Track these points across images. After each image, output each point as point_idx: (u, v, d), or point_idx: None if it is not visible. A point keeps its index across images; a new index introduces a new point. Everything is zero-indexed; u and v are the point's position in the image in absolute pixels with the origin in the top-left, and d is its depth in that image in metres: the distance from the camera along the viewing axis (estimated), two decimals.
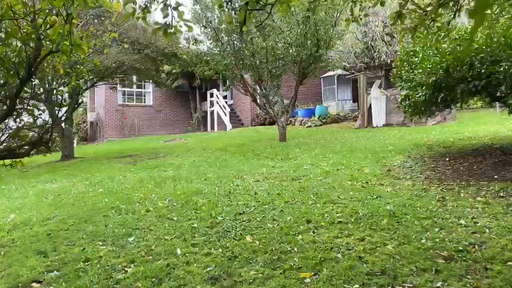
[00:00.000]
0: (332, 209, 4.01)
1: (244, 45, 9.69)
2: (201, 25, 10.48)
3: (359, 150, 8.01)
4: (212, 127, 20.68)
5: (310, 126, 14.88)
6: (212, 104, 20.85)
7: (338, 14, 9.65)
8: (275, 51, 9.61)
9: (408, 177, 5.31)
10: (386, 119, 12.88)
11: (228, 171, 6.95)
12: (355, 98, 18.30)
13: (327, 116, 15.64)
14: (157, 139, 18.03)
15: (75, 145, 21.11)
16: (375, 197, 4.35)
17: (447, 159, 6.38)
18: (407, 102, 6.24)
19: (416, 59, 6.24)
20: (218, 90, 20.90)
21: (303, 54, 9.32)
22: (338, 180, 5.39)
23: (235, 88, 11.48)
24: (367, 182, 5.09)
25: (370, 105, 12.95)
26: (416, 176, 5.34)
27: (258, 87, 10.86)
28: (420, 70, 5.62)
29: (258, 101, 10.96)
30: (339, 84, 18.02)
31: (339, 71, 16.88)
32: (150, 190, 5.88)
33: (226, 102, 20.02)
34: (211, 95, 20.87)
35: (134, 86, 21.80)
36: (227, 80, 11.57)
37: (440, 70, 5.08)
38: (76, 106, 11.15)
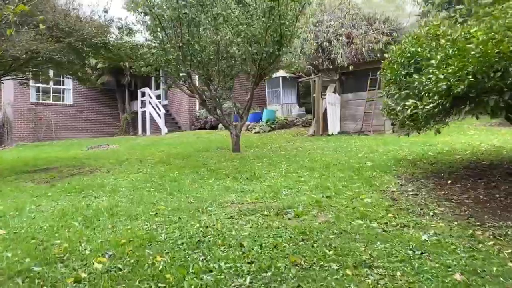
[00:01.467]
0: (377, 282, 2.67)
1: (192, 37, 8.06)
2: (139, 11, 8.66)
3: (334, 166, 6.85)
4: (144, 131, 18.56)
5: (258, 132, 13.60)
6: (143, 104, 18.73)
7: (299, 8, 8.44)
8: (231, 47, 8.13)
9: (429, 213, 4.17)
10: (341, 126, 12.01)
11: (183, 198, 5.35)
12: (301, 102, 17.41)
13: (275, 121, 14.48)
14: (79, 144, 15.55)
15: None
16: (419, 252, 3.11)
17: (449, 181, 5.42)
18: (406, 113, 5.15)
19: (418, 61, 5.19)
20: (151, 89, 18.81)
21: (264, 52, 7.95)
22: (342, 217, 4.10)
23: (179, 88, 9.76)
24: (386, 223, 3.85)
25: (325, 110, 12.01)
26: (438, 211, 4.22)
27: (207, 88, 9.28)
28: (431, 76, 4.54)
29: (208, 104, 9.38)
30: (284, 87, 17.00)
31: (282, 73, 15.84)
32: (78, 234, 4.11)
33: (159, 103, 18.02)
34: (143, 95, 18.76)
35: (51, 82, 18.90)
36: (168, 79, 9.79)
37: (469, 77, 4.02)
38: None
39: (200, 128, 16.30)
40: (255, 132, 13.66)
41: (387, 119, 11.56)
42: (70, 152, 12.84)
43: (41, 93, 19.14)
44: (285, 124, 14.38)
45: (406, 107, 5.08)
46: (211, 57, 8.57)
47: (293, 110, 16.48)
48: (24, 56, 6.94)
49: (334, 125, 11.69)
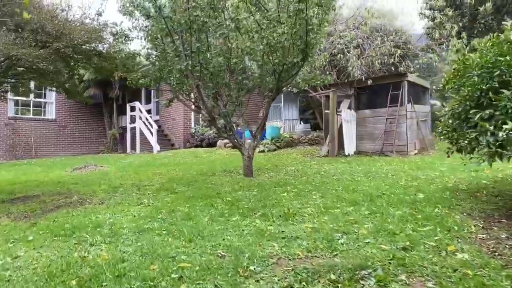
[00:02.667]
0: None
1: (202, 45, 6.89)
2: (139, 15, 7.48)
3: (379, 199, 5.71)
4: (133, 148, 17.17)
5: (263, 151, 12.42)
6: (133, 119, 17.39)
7: (324, 14, 7.39)
8: (249, 56, 6.98)
9: None
10: (357, 145, 10.94)
11: (209, 247, 4.10)
12: (301, 118, 16.35)
13: (279, 138, 13.34)
14: (62, 164, 14.06)
15: None
16: None
17: None
18: (498, 137, 4.07)
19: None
20: (141, 103, 17.50)
21: (286, 62, 6.84)
22: None
23: (183, 103, 8.56)
24: None
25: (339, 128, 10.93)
26: None
27: (215, 104, 8.09)
28: None
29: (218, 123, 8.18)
30: (285, 102, 15.94)
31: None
32: None
33: (150, 117, 16.71)
34: (132, 109, 17.44)
35: (32, 95, 17.43)
36: (170, 93, 8.56)
37: None
38: None
39: (196, 146, 15.04)
40: (260, 151, 12.47)
41: (414, 138, 10.61)
42: (53, 173, 11.39)
43: (20, 107, 17.60)
44: (290, 142, 13.26)
45: (497, 130, 4.00)
46: (222, 68, 7.41)
47: (295, 127, 15.40)
48: (1, 63, 5.62)
49: (350, 145, 10.62)
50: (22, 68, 7.71)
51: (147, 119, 16.41)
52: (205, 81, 7.46)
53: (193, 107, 8.49)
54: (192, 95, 8.58)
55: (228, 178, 8.19)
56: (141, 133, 16.58)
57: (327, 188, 6.63)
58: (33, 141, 17.21)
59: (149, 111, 17.39)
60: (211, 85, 7.50)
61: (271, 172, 8.77)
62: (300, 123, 15.22)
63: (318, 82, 7.93)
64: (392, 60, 11.71)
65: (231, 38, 6.89)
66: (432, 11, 14.53)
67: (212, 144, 14.80)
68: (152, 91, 18.19)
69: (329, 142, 10.76)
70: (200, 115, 10.07)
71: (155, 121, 16.68)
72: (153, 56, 8.00)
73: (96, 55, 8.14)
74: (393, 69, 12.15)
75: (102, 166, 12.33)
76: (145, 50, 8.26)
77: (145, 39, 7.82)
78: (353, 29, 11.22)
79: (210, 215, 5.38)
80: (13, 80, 8.71)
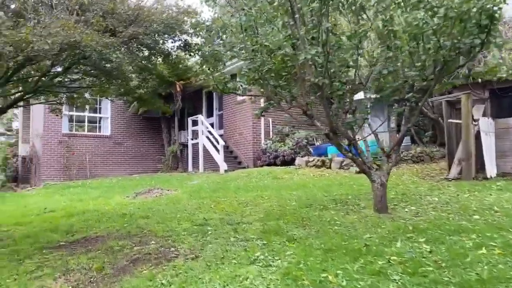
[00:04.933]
0: None
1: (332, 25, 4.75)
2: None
3: None
4: (196, 167, 15.35)
5: (360, 172, 10.04)
6: (195, 135, 15.62)
7: None
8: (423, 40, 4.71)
9: None
10: (497, 164, 8.36)
11: None
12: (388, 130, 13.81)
13: (377, 155, 10.91)
14: (120, 186, 12.38)
15: None
16: None
17: None
18: None
19: None
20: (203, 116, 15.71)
21: (463, 45, 4.56)
22: None
23: (286, 111, 6.46)
24: None
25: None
26: None
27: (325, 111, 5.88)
28: None
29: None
30: (372, 110, 13.52)
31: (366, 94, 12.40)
32: None
33: (214, 132, 14.83)
34: (194, 123, 15.68)
35: (86, 109, 16.14)
36: (272, 99, 6.41)
37: None
38: None
39: (269, 164, 12.92)
40: (357, 172, 10.12)
41: None
42: (113, 200, 9.63)
43: (74, 123, 16.34)
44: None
45: None
46: (353, 58, 5.22)
47: (388, 140, 12.92)
48: (54, 48, 3.78)
49: (491, 164, 8.08)
50: (82, 55, 5.92)
51: (211, 134, 14.55)
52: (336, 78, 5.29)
53: (297, 118, 6.34)
54: (296, 100, 6.44)
55: (353, 215, 5.92)
56: (204, 150, 14.74)
57: None
58: (88, 160, 15.82)
59: (211, 125, 15.56)
60: (337, 84, 5.32)
61: (406, 204, 6.42)
62: (391, 135, 12.74)
63: (504, 75, 5.55)
64: None
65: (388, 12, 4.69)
66: None
67: (287, 162, 12.64)
68: (214, 102, 16.39)
69: (460, 161, 8.25)
70: (288, 129, 7.90)
71: (214, 137, 14.76)
72: (249, 50, 5.96)
73: (185, 49, 6.24)
74: None
75: (168, 190, 10.46)
76: (235, 44, 6.26)
77: (241, 27, 5.81)
78: None
79: None
80: (72, 85, 6.98)
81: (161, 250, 4.96)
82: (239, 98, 14.56)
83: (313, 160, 11.39)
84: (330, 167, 10.94)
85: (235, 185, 10.31)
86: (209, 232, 5.60)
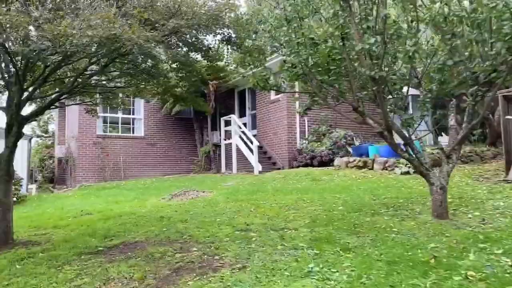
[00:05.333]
0: None
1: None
2: None
3: None
4: (229, 168, 15.07)
5: (406, 173, 9.45)
6: (228, 135, 15.36)
7: None
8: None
9: None
10: None
11: None
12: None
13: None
14: (155, 188, 12.25)
15: (34, 190, 15.06)
16: None
17: None
18: None
19: None
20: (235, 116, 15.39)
21: None
22: None
23: (334, 109, 6.02)
24: None
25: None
26: None
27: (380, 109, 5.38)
28: None
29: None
30: (413, 108, 12.86)
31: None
32: None
33: (248, 132, 14.49)
34: (227, 123, 15.41)
35: (119, 110, 16.17)
36: (318, 95, 5.96)
37: None
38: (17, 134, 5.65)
39: (306, 165, 12.45)
40: (404, 173, 9.51)
41: None
42: (149, 202, 9.44)
43: (108, 124, 16.41)
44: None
45: None
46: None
47: (429, 139, 12.22)
48: (94, 46, 3.49)
49: None
50: (119, 65, 5.70)
51: (244, 134, 14.23)
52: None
53: (348, 116, 5.88)
54: (344, 96, 5.98)
55: (410, 222, 5.41)
56: (238, 151, 14.43)
57: None
58: (122, 161, 15.82)
59: (244, 125, 15.22)
60: (393, 77, 4.83)
61: (468, 209, 5.83)
62: (441, 134, 12.04)
63: None
64: None
65: None
66: None
67: (325, 163, 12.13)
68: (247, 102, 16.06)
69: None
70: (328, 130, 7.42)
71: (248, 137, 14.38)
72: (294, 43, 5.56)
73: (207, 51, 5.91)
74: None
75: (203, 192, 10.19)
76: (279, 37, 5.87)
77: (285, 19, 5.41)
78: None
79: None
80: (109, 85, 6.80)
81: (204, 258, 4.63)
82: (273, 97, 14.17)
83: (354, 160, 10.85)
84: (372, 168, 10.38)
85: (272, 187, 9.92)
86: (253, 239, 5.23)
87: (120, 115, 16.34)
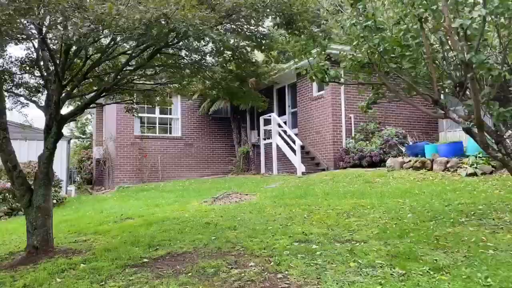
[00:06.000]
0: None
1: None
2: None
3: None
4: (269, 169, 14.43)
5: (473, 174, 8.47)
6: (267, 134, 14.72)
7: None
8: None
9: None
10: None
11: None
12: None
13: (483, 154, 9.25)
14: (195, 190, 11.78)
15: (73, 192, 14.98)
16: None
17: None
18: None
19: None
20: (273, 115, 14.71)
21: None
22: None
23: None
24: None
25: None
26: None
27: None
28: None
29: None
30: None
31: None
32: None
33: (289, 131, 13.79)
34: (266, 122, 14.78)
35: (157, 111, 15.90)
36: (387, 87, 5.21)
37: None
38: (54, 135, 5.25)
39: (354, 166, 11.62)
40: (469, 174, 8.53)
41: None
42: (191, 205, 8.94)
43: (146, 124, 16.14)
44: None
45: None
46: None
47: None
48: (141, 28, 2.92)
49: None
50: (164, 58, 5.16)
51: (285, 132, 13.55)
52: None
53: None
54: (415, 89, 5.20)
55: (506, 234, 4.57)
56: (278, 150, 13.76)
57: None
58: (160, 162, 15.51)
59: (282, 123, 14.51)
60: (491, 61, 4.03)
61: None
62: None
63: None
64: None
65: None
66: None
67: (375, 163, 11.27)
68: (286, 99, 15.36)
69: None
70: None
71: (290, 136, 13.63)
72: (362, 28, 4.83)
73: (263, 37, 5.26)
74: None
75: (246, 195, 9.60)
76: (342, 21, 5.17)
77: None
78: None
79: None
80: (150, 83, 6.32)
81: (265, 276, 3.99)
82: (316, 93, 13.42)
83: (410, 160, 9.94)
84: (431, 169, 9.44)
85: (321, 190, 9.19)
86: (317, 253, 4.55)
87: (157, 115, 16.04)
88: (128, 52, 5.61)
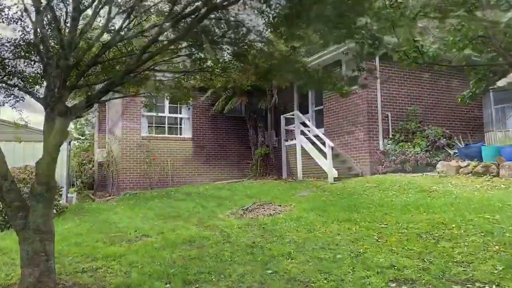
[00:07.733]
0: None
1: None
2: None
3: None
4: (291, 173, 13.02)
5: None
6: (289, 135, 13.33)
7: None
8: None
9: None
10: None
11: None
12: None
13: None
14: (213, 198, 10.34)
15: (74, 199, 13.50)
16: None
17: None
18: None
19: None
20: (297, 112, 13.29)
21: None
22: None
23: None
24: None
25: None
26: None
27: None
28: None
29: None
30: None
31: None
32: None
33: (316, 131, 12.37)
34: (288, 121, 13.40)
35: (166, 109, 14.49)
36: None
37: None
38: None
39: (395, 171, 10.23)
40: None
41: None
42: (216, 217, 7.52)
43: (154, 125, 14.69)
44: None
45: None
46: None
47: None
48: None
49: None
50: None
51: (311, 132, 12.13)
52: None
53: None
54: None
55: None
56: (303, 153, 12.35)
57: None
58: (170, 165, 14.07)
59: (304, 124, 13.08)
60: None
61: None
62: None
63: None
64: None
65: None
66: None
67: (419, 168, 9.87)
68: (310, 97, 13.93)
69: None
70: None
71: (316, 137, 12.20)
72: None
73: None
74: None
75: (280, 205, 8.19)
76: None
77: None
78: None
79: None
80: (176, 71, 4.97)
81: None
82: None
83: (468, 165, 8.56)
84: (497, 175, 8.06)
85: (370, 200, 7.80)
86: None
87: (166, 114, 14.58)
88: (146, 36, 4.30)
